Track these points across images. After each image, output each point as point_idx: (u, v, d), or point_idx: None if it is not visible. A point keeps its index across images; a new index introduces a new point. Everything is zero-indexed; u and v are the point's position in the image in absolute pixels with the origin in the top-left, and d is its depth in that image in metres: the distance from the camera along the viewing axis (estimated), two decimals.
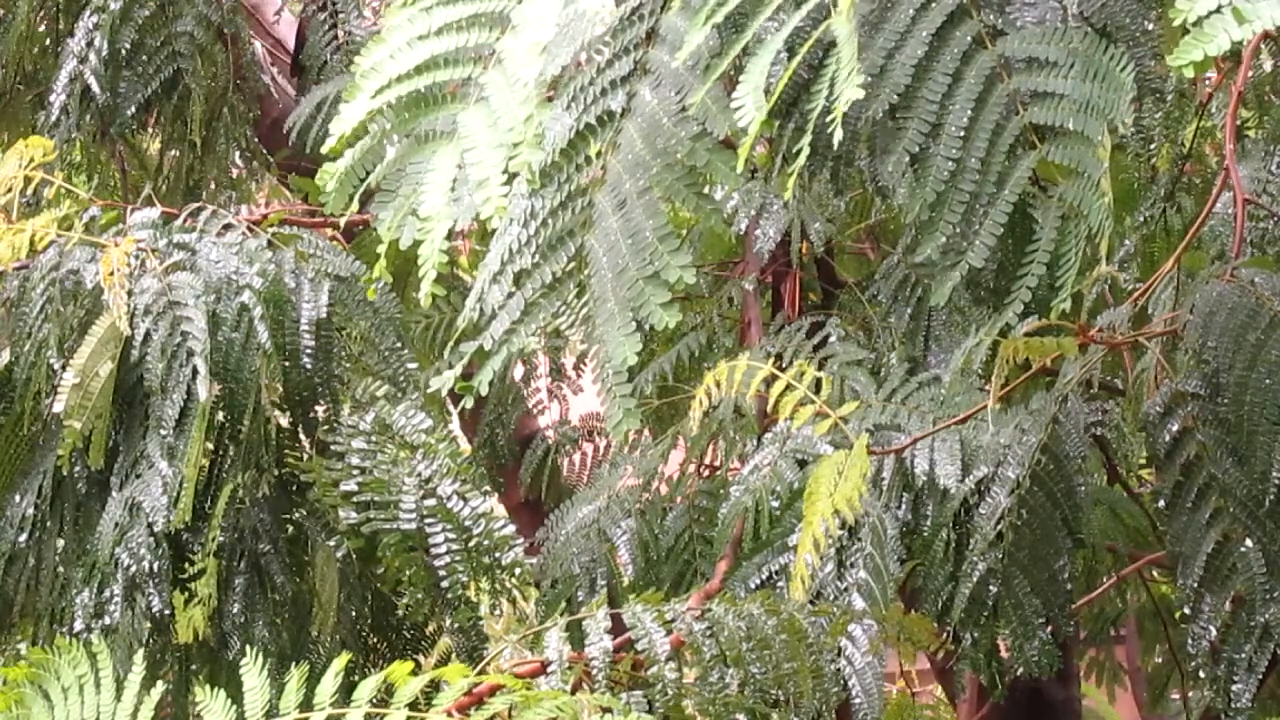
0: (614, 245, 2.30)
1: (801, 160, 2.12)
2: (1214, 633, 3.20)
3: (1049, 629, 3.40)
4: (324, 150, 2.48)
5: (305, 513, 3.74)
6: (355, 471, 3.60)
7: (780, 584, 3.56)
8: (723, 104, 2.22)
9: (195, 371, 3.46)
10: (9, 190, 3.85)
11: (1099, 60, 2.40)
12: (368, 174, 2.50)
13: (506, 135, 2.33)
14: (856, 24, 2.08)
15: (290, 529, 3.78)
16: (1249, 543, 3.18)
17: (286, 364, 3.70)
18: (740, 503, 3.78)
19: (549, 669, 2.95)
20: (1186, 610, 3.23)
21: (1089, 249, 2.42)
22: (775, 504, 3.72)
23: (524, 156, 2.29)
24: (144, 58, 4.87)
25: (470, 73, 2.44)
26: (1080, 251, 2.40)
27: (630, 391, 2.27)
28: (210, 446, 3.63)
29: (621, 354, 2.22)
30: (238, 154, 5.50)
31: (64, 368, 3.53)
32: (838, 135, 2.04)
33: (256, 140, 5.59)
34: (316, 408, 3.78)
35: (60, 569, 3.70)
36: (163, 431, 3.48)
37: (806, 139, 2.11)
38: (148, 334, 3.52)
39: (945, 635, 3.50)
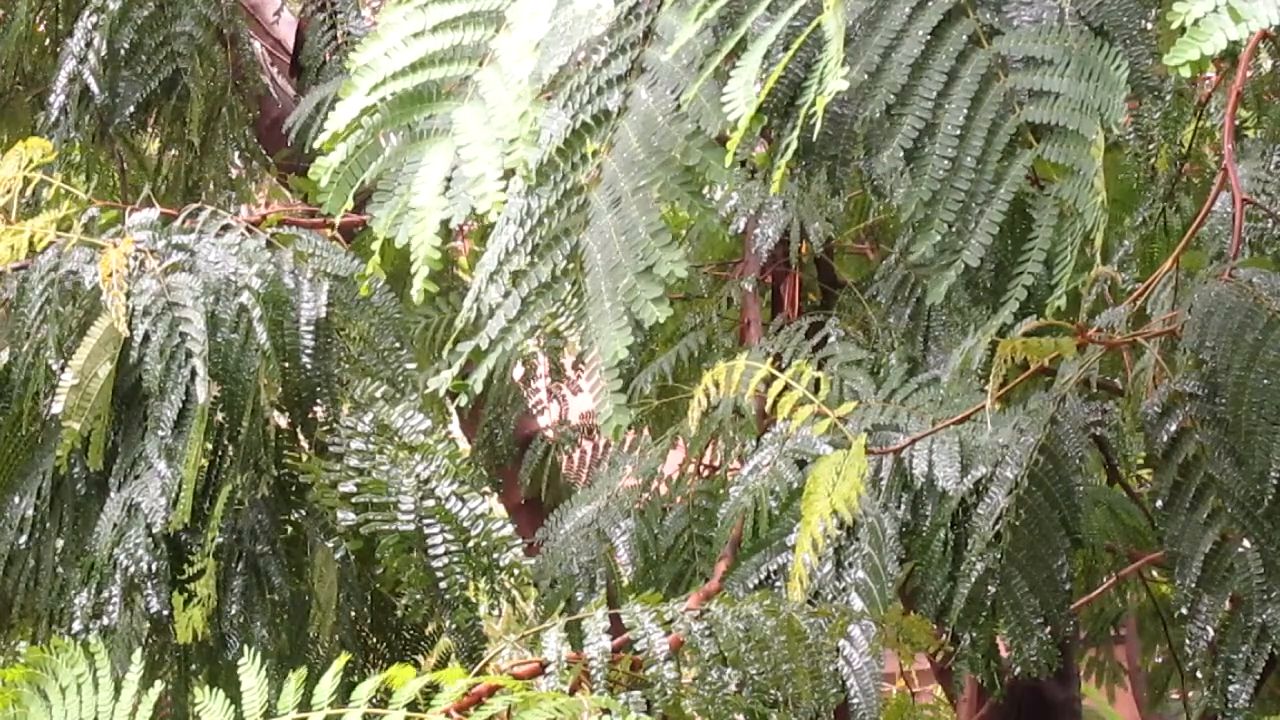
0: (608, 242, 2.31)
1: (789, 155, 2.12)
2: (1211, 633, 3.20)
3: (1048, 629, 3.40)
4: (316, 146, 2.48)
5: (304, 514, 3.74)
6: (354, 473, 3.60)
7: (779, 584, 3.56)
8: (717, 102, 2.22)
9: (194, 373, 3.46)
10: (8, 191, 3.84)
11: (1094, 59, 2.40)
12: (364, 172, 2.50)
13: (501, 132, 2.33)
14: (844, 19, 2.09)
15: (289, 530, 3.78)
16: (1246, 543, 3.18)
17: (285, 365, 3.70)
18: (739, 503, 3.78)
19: (548, 669, 2.95)
20: (1184, 610, 3.23)
21: (1086, 248, 2.42)
22: (774, 504, 3.72)
23: (519, 153, 2.29)
24: (143, 58, 4.87)
25: (466, 70, 2.44)
26: (1076, 250, 2.40)
27: (622, 388, 2.27)
28: (209, 447, 3.63)
29: (613, 349, 2.22)
30: (237, 154, 5.50)
31: (63, 369, 3.53)
32: (817, 125, 2.04)
33: (256, 141, 5.59)
34: (315, 409, 3.78)
35: (59, 570, 3.70)
36: (161, 433, 3.48)
37: (795, 135, 2.11)
38: (146, 335, 3.51)
39: (944, 636, 3.50)
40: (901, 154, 2.51)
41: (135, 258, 3.62)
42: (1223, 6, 1.94)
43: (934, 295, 2.55)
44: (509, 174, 2.37)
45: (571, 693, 2.91)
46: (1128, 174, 4.81)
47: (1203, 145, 4.92)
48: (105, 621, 3.50)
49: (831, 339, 4.46)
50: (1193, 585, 3.21)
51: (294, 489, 3.76)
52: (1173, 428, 3.26)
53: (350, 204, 2.52)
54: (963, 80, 2.49)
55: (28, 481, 3.74)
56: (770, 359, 4.14)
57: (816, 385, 3.19)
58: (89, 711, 2.45)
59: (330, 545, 3.63)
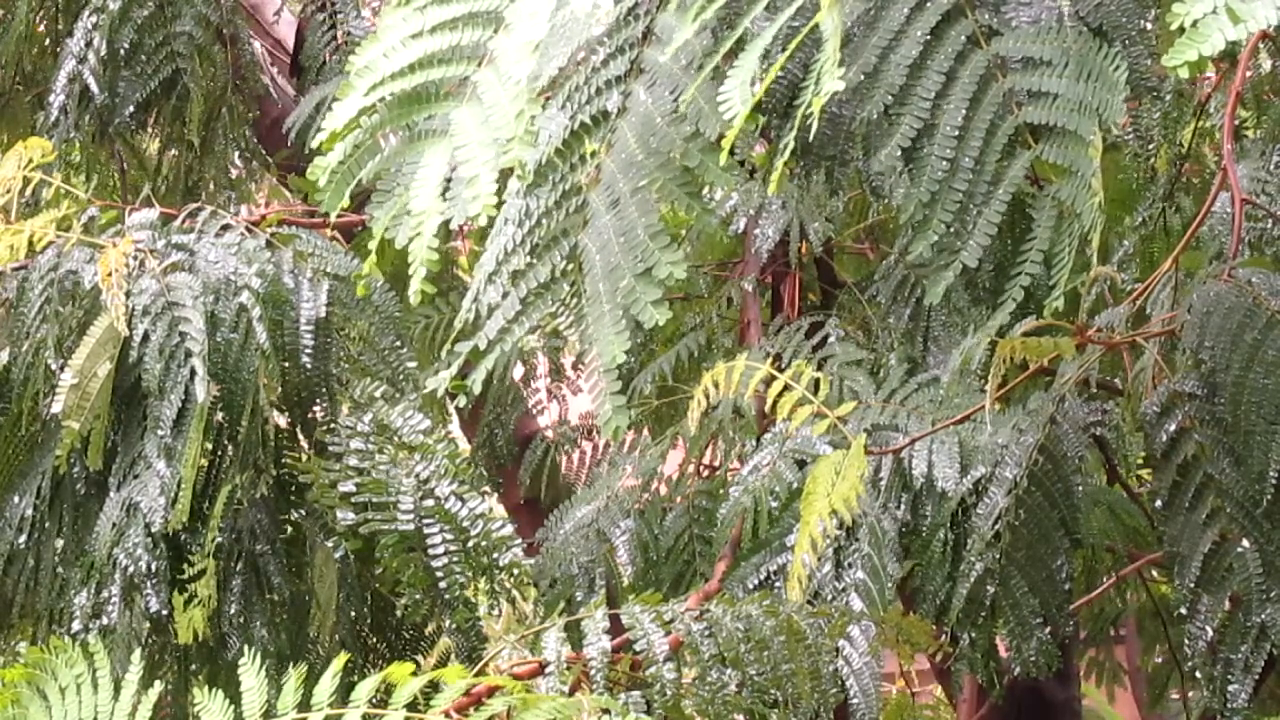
0: (606, 243, 2.31)
1: (786, 155, 2.12)
2: (1211, 633, 3.20)
3: (1047, 629, 3.40)
4: (314, 146, 2.48)
5: (303, 513, 3.74)
6: (353, 472, 3.60)
7: (778, 584, 3.56)
8: (715, 104, 2.22)
9: (193, 372, 3.46)
10: (8, 191, 3.84)
11: (1093, 60, 2.40)
12: (362, 171, 2.50)
13: (499, 132, 2.33)
14: (841, 19, 2.09)
15: (288, 530, 3.78)
16: (1245, 543, 3.18)
17: (285, 364, 3.70)
18: (739, 503, 3.78)
19: (547, 669, 2.95)
20: (1183, 610, 3.23)
21: (1084, 248, 2.43)
22: (774, 504, 3.72)
23: (515, 154, 2.30)
24: (143, 58, 4.88)
25: (464, 71, 2.45)
26: (1074, 250, 2.40)
27: (621, 389, 2.27)
28: (209, 447, 3.63)
29: (611, 351, 2.22)
30: (237, 154, 5.51)
31: (62, 368, 3.53)
32: (814, 126, 2.04)
33: (256, 141, 5.59)
34: (315, 408, 3.78)
35: (59, 570, 3.70)
36: (160, 432, 3.48)
37: (792, 135, 2.12)
38: (146, 335, 3.51)
39: (944, 636, 3.50)
40: (900, 154, 2.51)
41: (135, 257, 3.62)
42: (1221, 7, 1.94)
43: (932, 295, 2.55)
44: (507, 174, 2.37)
45: (571, 693, 2.91)
46: (1127, 174, 4.82)
47: (1202, 145, 4.92)
48: (105, 621, 3.50)
49: (831, 339, 4.46)
50: (1192, 585, 3.22)
51: (294, 489, 3.76)
52: (1172, 428, 3.26)
53: (349, 204, 2.52)
54: (961, 81, 2.49)
55: (28, 481, 3.74)
56: (770, 359, 4.14)
57: (816, 385, 3.19)
58: (89, 711, 2.45)
59: (330, 545, 3.63)
